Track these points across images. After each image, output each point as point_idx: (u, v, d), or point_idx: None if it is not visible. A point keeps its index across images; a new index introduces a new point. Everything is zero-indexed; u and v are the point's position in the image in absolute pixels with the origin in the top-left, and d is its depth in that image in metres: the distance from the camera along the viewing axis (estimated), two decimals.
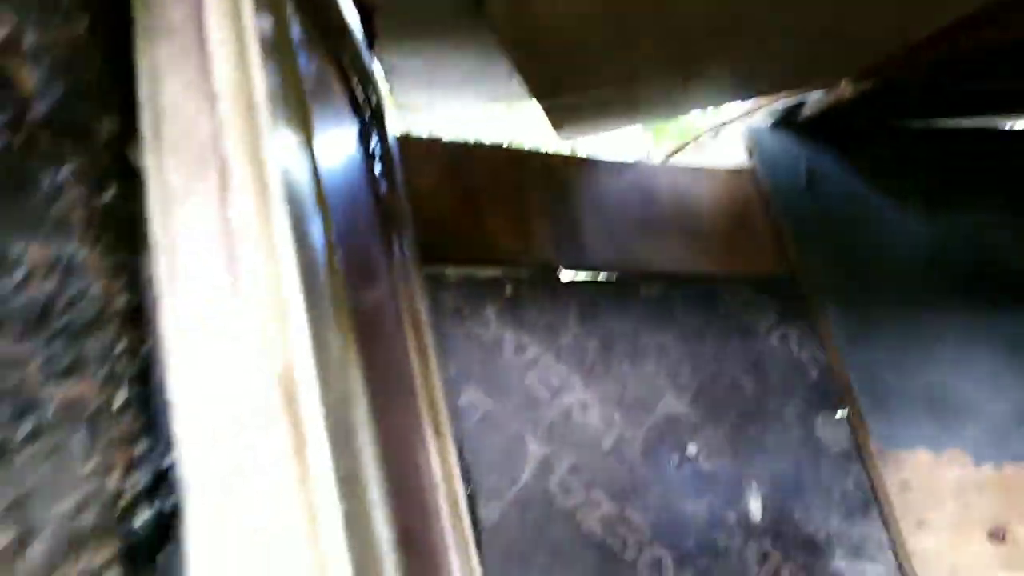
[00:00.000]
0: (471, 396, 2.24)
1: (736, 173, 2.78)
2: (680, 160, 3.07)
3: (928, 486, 2.29)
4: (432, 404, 1.92)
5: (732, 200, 2.70)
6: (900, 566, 2.22)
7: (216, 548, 0.53)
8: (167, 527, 0.56)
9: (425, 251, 2.00)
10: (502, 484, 2.11)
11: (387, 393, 1.74)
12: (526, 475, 2.14)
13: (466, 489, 2.04)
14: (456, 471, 1.99)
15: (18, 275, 0.52)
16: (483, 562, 2.04)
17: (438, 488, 1.76)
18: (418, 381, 1.93)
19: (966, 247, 2.69)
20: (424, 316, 1.97)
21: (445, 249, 2.30)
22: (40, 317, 0.53)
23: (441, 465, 1.85)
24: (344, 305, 1.11)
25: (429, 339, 1.99)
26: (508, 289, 2.35)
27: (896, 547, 2.23)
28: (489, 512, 2.07)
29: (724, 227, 2.63)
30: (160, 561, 0.56)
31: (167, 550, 0.56)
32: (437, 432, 1.90)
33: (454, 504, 1.85)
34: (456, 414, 2.14)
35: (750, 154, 2.76)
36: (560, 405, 2.24)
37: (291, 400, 0.55)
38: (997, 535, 2.29)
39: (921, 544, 2.23)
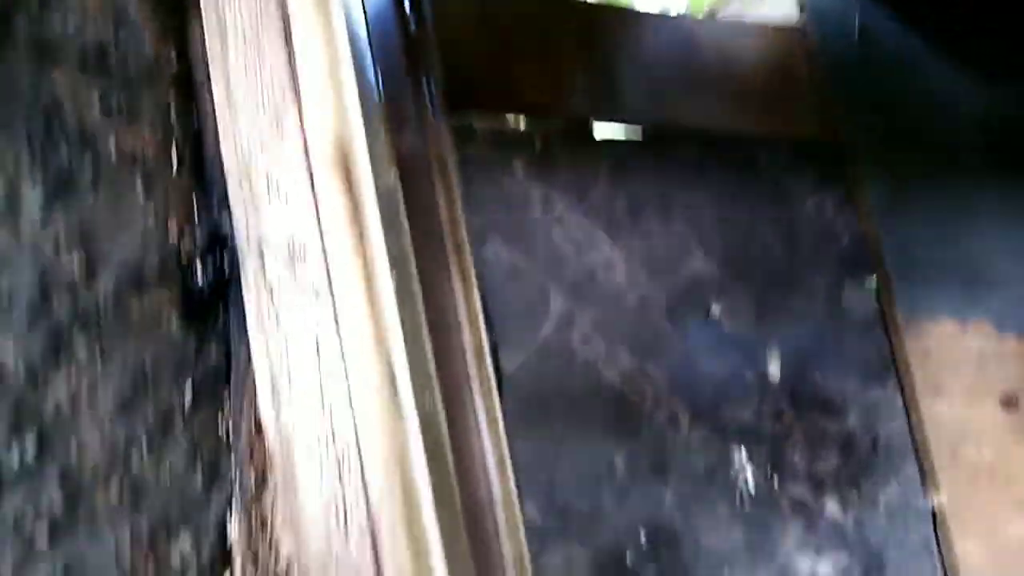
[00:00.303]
0: (496, 249, 2.23)
1: (783, 29, 2.63)
2: (724, 14, 2.91)
3: (949, 355, 2.31)
4: (458, 251, 1.92)
5: (777, 58, 2.57)
6: (911, 430, 2.26)
7: (270, 309, 0.53)
8: (225, 286, 0.58)
9: (453, 99, 1.93)
10: (524, 335, 2.14)
11: (415, 236, 1.72)
12: (548, 328, 2.16)
13: (489, 336, 2.07)
14: (480, 317, 2.00)
15: (76, 12, 0.51)
16: (504, 407, 2.09)
17: (463, 330, 1.79)
18: (445, 227, 1.92)
19: None
20: (452, 164, 1.93)
21: (474, 98, 2.23)
22: (98, 58, 0.53)
23: (466, 309, 1.86)
24: (389, 138, 1.08)
25: (456, 188, 1.96)
26: (537, 143, 2.30)
27: (910, 412, 2.27)
28: (510, 361, 2.11)
29: (767, 86, 2.52)
30: (219, 317, 0.58)
31: (224, 307, 0.58)
32: (463, 278, 1.91)
33: (478, 348, 1.88)
34: (480, 265, 2.14)
35: (801, 8, 2.60)
36: (585, 262, 2.24)
37: (345, 166, 0.53)
38: (1010, 403, 2.31)
39: (935, 409, 2.27)
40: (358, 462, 0.56)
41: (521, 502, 2.02)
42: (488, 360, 1.97)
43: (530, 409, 2.06)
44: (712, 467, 2.15)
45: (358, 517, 0.56)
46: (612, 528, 2.07)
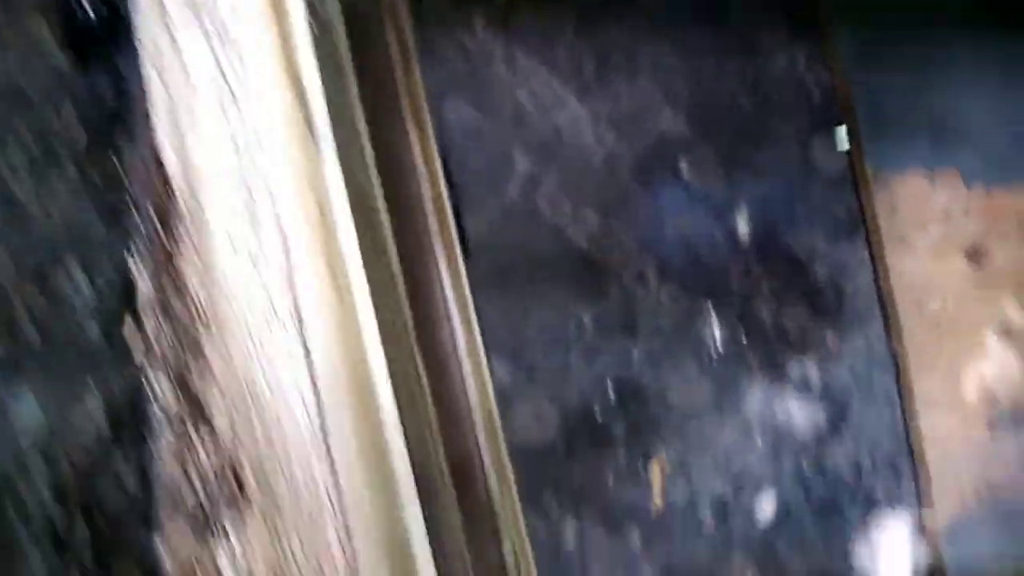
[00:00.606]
0: (456, 108, 2.14)
1: None
2: None
3: (916, 209, 2.30)
4: (415, 108, 1.84)
5: None
6: (878, 284, 2.28)
7: (170, 49, 0.48)
8: (118, 20, 0.52)
9: None
10: (488, 197, 2.09)
11: (369, 93, 1.64)
12: (513, 190, 2.11)
13: (450, 198, 2.01)
14: (440, 175, 1.94)
15: None
16: (469, 268, 2.06)
17: (422, 188, 1.73)
18: (400, 85, 1.83)
19: None
20: (406, 18, 1.83)
21: None
22: None
23: (425, 167, 1.80)
24: None
25: (412, 43, 1.86)
26: None
27: (876, 266, 2.28)
28: (474, 224, 2.06)
29: None
30: (112, 54, 0.53)
31: (118, 45, 0.53)
32: (420, 135, 1.84)
33: (439, 205, 1.83)
34: (441, 124, 2.06)
35: None
36: (551, 121, 2.17)
37: None
38: (974, 256, 2.33)
39: (901, 263, 2.28)
40: (272, 208, 0.53)
41: (489, 361, 2.02)
42: (450, 219, 1.93)
43: (496, 270, 2.03)
44: (681, 325, 2.17)
45: (276, 265, 0.53)
46: (581, 386, 2.10)
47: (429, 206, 1.78)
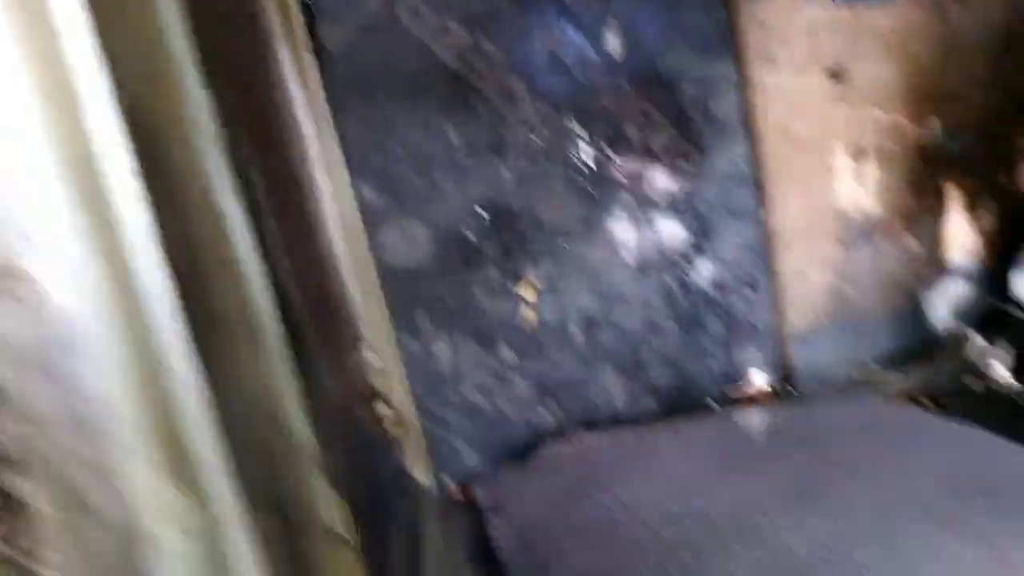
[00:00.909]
0: None
1: None
2: None
3: (783, 24, 2.31)
4: None
5: None
6: (743, 102, 2.31)
7: None
8: None
9: None
10: (346, 11, 1.96)
11: None
12: (373, 1, 1.98)
13: (304, 8, 1.88)
14: None
15: None
16: (329, 88, 1.96)
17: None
18: None
19: None
20: None
21: None
22: None
23: None
24: None
25: None
26: None
27: (742, 85, 2.30)
28: (332, 39, 1.94)
29: None
30: None
31: None
32: None
33: (285, 10, 1.70)
34: None
35: None
36: None
37: None
38: (836, 74, 2.39)
39: (766, 79, 2.31)
40: None
41: (353, 179, 1.97)
42: (298, 22, 1.81)
43: (357, 92, 1.94)
44: (550, 144, 2.15)
45: None
46: (451, 205, 2.08)
47: (274, 21, 1.65)
